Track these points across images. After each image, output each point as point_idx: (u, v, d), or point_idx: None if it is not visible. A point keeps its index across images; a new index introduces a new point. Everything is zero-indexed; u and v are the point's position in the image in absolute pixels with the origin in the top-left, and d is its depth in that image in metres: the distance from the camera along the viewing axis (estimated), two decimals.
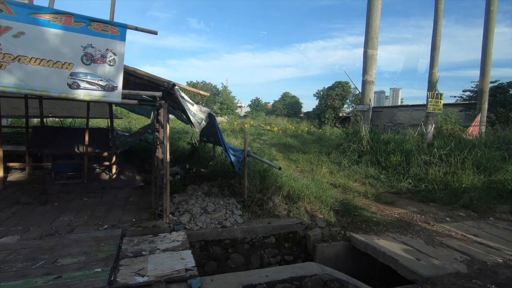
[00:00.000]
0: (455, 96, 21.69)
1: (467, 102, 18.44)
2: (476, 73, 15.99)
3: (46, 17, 3.51)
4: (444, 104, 10.75)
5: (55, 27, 3.55)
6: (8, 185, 6.14)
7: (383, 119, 21.05)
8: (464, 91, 20.81)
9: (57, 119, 10.74)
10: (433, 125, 10.48)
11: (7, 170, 6.49)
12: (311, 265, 3.82)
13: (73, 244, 3.58)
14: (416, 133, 10.76)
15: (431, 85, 10.56)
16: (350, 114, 28.05)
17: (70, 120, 11.05)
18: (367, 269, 4.89)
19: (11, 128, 9.15)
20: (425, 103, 10.87)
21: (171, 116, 9.31)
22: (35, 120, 8.26)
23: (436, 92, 10.33)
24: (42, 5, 3.62)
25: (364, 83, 11.34)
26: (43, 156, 7.11)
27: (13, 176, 6.81)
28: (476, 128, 12.45)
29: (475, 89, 18.60)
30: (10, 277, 2.79)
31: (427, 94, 10.27)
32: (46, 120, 8.90)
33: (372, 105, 11.69)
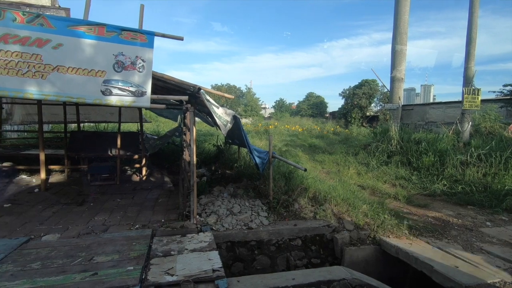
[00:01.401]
0: (494, 91, 20.19)
1: (508, 97, 17.11)
2: None
3: (81, 28, 3.74)
4: (482, 100, 10.06)
5: (89, 37, 3.76)
6: (50, 186, 6.59)
7: (414, 117, 20.07)
8: (504, 85, 19.30)
9: (92, 124, 11.40)
10: (470, 122, 9.84)
11: (48, 172, 6.97)
12: (339, 269, 3.72)
13: (107, 243, 3.76)
14: (450, 131, 10.16)
15: (467, 80, 9.91)
16: (378, 113, 27.12)
17: (103, 124, 11.67)
18: (398, 275, 4.67)
19: (52, 133, 9.85)
20: (460, 99, 10.26)
21: (197, 119, 9.54)
22: (73, 125, 8.82)
23: (473, 87, 9.69)
24: (78, 16, 3.86)
25: (393, 80, 10.91)
26: (80, 159, 7.57)
27: (54, 178, 7.31)
28: None
29: None
30: (52, 273, 2.99)
31: (463, 90, 9.67)
32: (83, 125, 9.47)
33: (402, 103, 11.21)
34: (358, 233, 4.87)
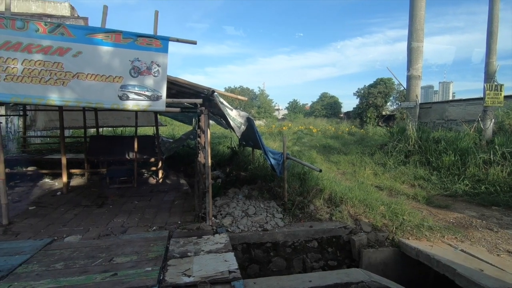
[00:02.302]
0: None
1: None
2: None
3: (99, 36, 3.87)
4: (505, 96, 9.63)
5: (107, 44, 3.89)
6: (71, 189, 6.83)
7: (432, 115, 19.47)
8: None
9: (110, 129, 11.73)
10: (493, 120, 9.44)
11: (70, 176, 7.23)
12: (357, 272, 3.65)
13: (126, 244, 3.85)
14: (472, 129, 9.78)
15: (489, 76, 9.52)
16: (395, 112, 26.49)
17: (121, 129, 11.99)
18: (418, 278, 4.53)
19: (72, 138, 10.21)
20: (481, 96, 9.86)
21: (211, 121, 9.64)
22: (92, 130, 9.12)
23: (495, 83, 9.30)
24: (96, 24, 3.99)
25: (409, 78, 10.64)
26: (99, 162, 7.81)
27: (75, 181, 7.57)
28: None
29: None
30: (74, 273, 3.09)
31: (484, 86, 9.29)
32: (101, 130, 9.76)
33: (419, 101, 10.91)
34: (376, 234, 4.77)
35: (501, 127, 10.02)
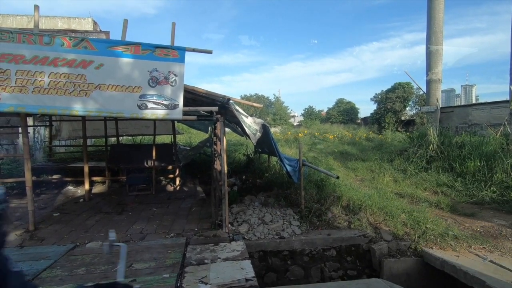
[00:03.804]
0: None
1: None
2: None
3: (119, 48, 4.03)
4: None
5: (127, 56, 4.04)
6: (93, 196, 7.05)
7: (455, 120, 18.77)
8: None
9: (129, 137, 12.07)
10: None
11: (92, 183, 7.46)
12: (378, 282, 3.52)
13: (145, 250, 3.92)
14: (498, 133, 9.33)
15: None
16: (414, 117, 25.75)
17: (140, 137, 12.31)
18: None
19: (94, 147, 10.59)
20: (507, 98, 9.43)
21: (227, 129, 9.74)
22: (112, 139, 9.41)
23: None
24: (117, 37, 4.17)
25: (429, 82, 10.36)
26: (119, 170, 8.03)
27: (96, 189, 7.81)
28: None
29: None
30: (95, 278, 3.16)
31: (510, 89, 8.89)
32: (121, 138, 10.06)
33: (440, 105, 10.57)
34: (397, 243, 4.60)
35: None
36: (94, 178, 7.58)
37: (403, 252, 4.52)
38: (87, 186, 6.70)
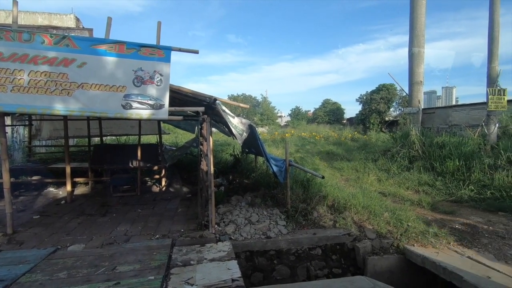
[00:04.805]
0: None
1: None
2: None
3: (103, 47, 3.95)
4: (508, 101, 9.58)
5: (110, 55, 3.97)
6: (75, 198, 6.87)
7: (436, 121, 19.38)
8: None
9: (114, 137, 11.82)
10: (497, 124, 9.38)
11: (74, 184, 7.27)
12: (361, 279, 3.60)
13: (129, 253, 3.85)
14: (476, 134, 9.72)
15: (491, 80, 9.50)
16: (398, 118, 26.41)
17: (124, 137, 12.07)
18: (425, 285, 4.46)
19: (77, 147, 10.30)
20: (485, 101, 9.83)
21: (213, 129, 9.69)
22: (96, 139, 9.19)
23: (498, 87, 9.27)
24: (101, 35, 4.08)
25: (411, 84, 10.65)
26: (103, 171, 7.85)
27: (79, 190, 7.60)
28: None
29: None
30: (77, 282, 3.09)
31: (487, 91, 9.27)
32: (105, 138, 9.84)
33: (422, 107, 10.89)
34: (380, 241, 4.72)
35: (505, 132, 9.93)
36: (77, 179, 7.38)
37: (386, 250, 4.64)
38: (69, 187, 6.52)
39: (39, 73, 3.78)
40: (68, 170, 6.48)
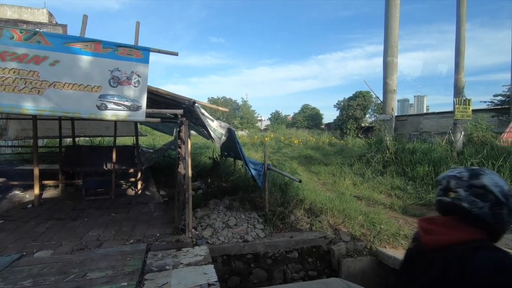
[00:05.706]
0: (485, 101, 20.68)
1: (500, 107, 17.45)
2: (507, 76, 15.18)
3: (77, 45, 3.81)
4: (473, 110, 10.27)
5: (85, 54, 3.84)
6: (43, 201, 6.52)
7: (408, 127, 20.33)
8: (495, 95, 19.73)
9: (87, 138, 11.37)
10: (462, 132, 10.00)
11: (42, 187, 6.91)
12: (336, 281, 3.69)
13: (101, 258, 3.71)
14: (444, 141, 10.30)
15: (458, 91, 10.14)
16: (373, 124, 27.41)
17: (99, 139, 11.65)
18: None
19: (46, 148, 9.81)
20: (452, 110, 10.44)
21: (192, 132, 9.59)
22: (68, 140, 8.80)
23: (464, 98, 9.90)
24: (76, 32, 3.94)
25: (385, 92, 11.10)
26: (75, 173, 7.52)
27: (48, 193, 7.23)
28: (511, 135, 11.70)
29: (508, 93, 17.60)
30: None
31: (454, 101, 9.87)
32: (78, 139, 9.45)
33: (396, 114, 11.37)
34: (354, 244, 4.86)
35: (470, 139, 10.60)
36: (46, 182, 7.03)
37: (359, 252, 4.79)
38: (37, 190, 6.19)
39: (7, 70, 3.58)
40: (36, 172, 6.15)
